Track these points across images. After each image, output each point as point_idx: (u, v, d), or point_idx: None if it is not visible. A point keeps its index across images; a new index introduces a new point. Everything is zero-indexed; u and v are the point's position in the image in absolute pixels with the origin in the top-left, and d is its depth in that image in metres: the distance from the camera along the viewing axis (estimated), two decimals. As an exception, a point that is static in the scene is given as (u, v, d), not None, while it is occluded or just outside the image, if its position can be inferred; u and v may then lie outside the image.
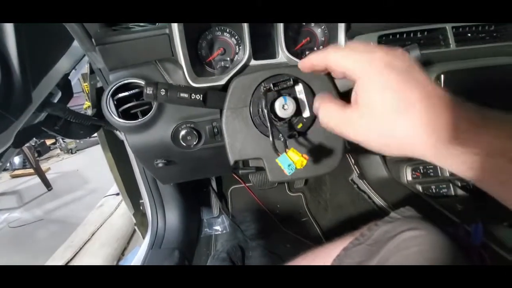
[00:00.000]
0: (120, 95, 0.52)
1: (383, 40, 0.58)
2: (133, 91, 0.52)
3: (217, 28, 0.57)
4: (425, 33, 0.60)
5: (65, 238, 1.83)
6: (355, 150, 0.94)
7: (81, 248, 1.69)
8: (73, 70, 0.74)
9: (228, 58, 0.59)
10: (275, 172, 0.48)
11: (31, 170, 3.14)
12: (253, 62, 0.54)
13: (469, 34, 0.62)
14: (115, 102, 0.52)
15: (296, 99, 0.44)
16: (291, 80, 0.44)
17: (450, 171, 0.27)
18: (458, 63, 0.59)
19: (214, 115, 0.55)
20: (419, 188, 0.85)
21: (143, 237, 1.17)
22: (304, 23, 0.60)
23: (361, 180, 1.08)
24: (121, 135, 0.95)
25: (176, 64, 0.53)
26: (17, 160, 3.73)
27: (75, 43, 0.61)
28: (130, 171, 0.99)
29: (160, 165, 0.59)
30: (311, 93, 0.47)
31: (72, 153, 4.40)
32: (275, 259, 1.12)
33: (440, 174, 0.88)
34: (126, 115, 0.53)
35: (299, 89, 0.45)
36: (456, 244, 0.43)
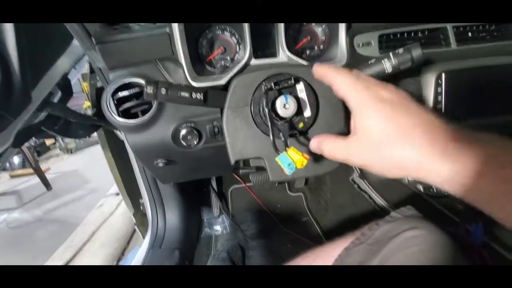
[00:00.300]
0: (120, 94, 0.51)
1: (383, 39, 0.58)
2: (133, 90, 0.52)
3: (217, 27, 0.57)
4: (426, 32, 0.60)
5: (65, 238, 1.83)
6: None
7: (81, 248, 1.69)
8: (73, 70, 0.73)
9: (229, 57, 0.58)
10: (276, 171, 0.48)
11: (31, 170, 3.13)
12: (253, 61, 0.54)
13: (470, 34, 0.62)
14: (115, 102, 0.52)
15: (297, 98, 0.44)
16: (292, 79, 0.44)
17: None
18: (459, 62, 0.59)
19: (215, 115, 0.54)
20: (420, 187, 0.84)
21: (143, 237, 1.17)
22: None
23: (362, 179, 1.08)
24: (121, 135, 0.95)
25: (177, 63, 0.53)
26: (16, 160, 3.72)
27: (75, 42, 0.61)
28: (130, 171, 0.99)
29: (161, 164, 0.59)
30: (312, 92, 0.47)
31: (71, 153, 4.39)
32: (276, 259, 1.11)
33: (440, 174, 0.88)
34: (126, 114, 0.53)
35: (300, 88, 0.45)
36: (456, 244, 0.43)
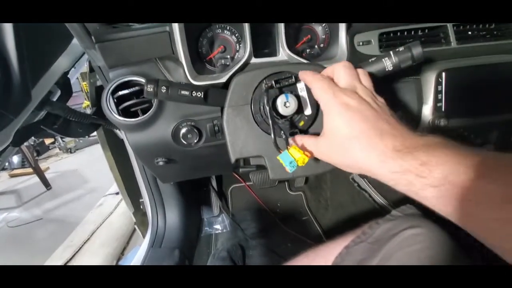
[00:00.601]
0: (120, 93, 0.51)
1: (384, 38, 0.58)
2: (134, 89, 0.52)
3: (217, 26, 0.57)
4: (426, 31, 0.60)
5: (65, 237, 1.83)
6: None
7: (80, 248, 1.69)
8: (73, 68, 0.73)
9: (229, 56, 0.58)
10: (276, 170, 0.47)
11: (30, 170, 3.13)
12: (253, 60, 0.54)
13: (470, 32, 0.62)
14: (115, 100, 0.52)
15: (298, 97, 0.44)
16: (293, 77, 0.44)
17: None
18: (459, 61, 0.59)
19: (215, 113, 0.54)
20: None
21: (143, 236, 1.17)
22: (305, 21, 0.60)
23: (362, 178, 1.08)
24: (121, 134, 0.95)
25: (177, 62, 0.53)
26: (15, 159, 3.72)
27: (75, 40, 0.61)
28: (130, 170, 0.99)
29: (161, 163, 0.59)
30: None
31: (71, 152, 4.38)
32: (276, 258, 1.12)
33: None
34: (126, 113, 0.53)
35: (301, 86, 0.45)
36: (457, 242, 0.44)
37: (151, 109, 0.52)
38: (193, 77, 0.52)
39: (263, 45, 0.56)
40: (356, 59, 0.54)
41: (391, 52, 0.45)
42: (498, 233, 0.26)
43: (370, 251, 0.50)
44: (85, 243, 1.73)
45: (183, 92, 0.43)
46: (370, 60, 0.47)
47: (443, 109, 0.59)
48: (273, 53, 0.56)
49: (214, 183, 1.36)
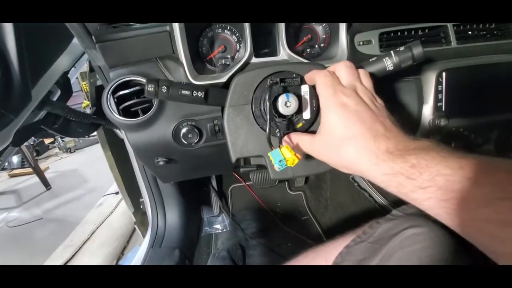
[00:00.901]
0: (121, 92, 0.51)
1: (384, 38, 0.58)
2: (134, 88, 0.52)
3: (218, 26, 0.57)
4: (426, 30, 0.60)
5: (64, 237, 1.83)
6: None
7: (80, 248, 1.68)
8: (73, 68, 0.73)
9: (229, 56, 0.58)
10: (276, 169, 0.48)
11: (30, 169, 3.13)
12: (254, 60, 0.54)
13: (470, 32, 0.62)
14: (116, 100, 0.52)
15: (299, 97, 0.44)
16: (299, 78, 0.44)
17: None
18: (459, 60, 0.59)
19: (215, 113, 0.54)
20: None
21: (143, 236, 1.17)
22: (305, 21, 0.60)
23: (362, 178, 1.08)
24: (121, 134, 0.95)
25: (177, 61, 0.53)
26: (15, 159, 3.71)
27: (75, 40, 0.61)
28: (130, 170, 0.99)
29: (161, 163, 0.59)
30: (315, 95, 0.47)
31: (71, 152, 4.38)
32: (276, 258, 1.12)
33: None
34: (126, 113, 0.53)
35: (305, 89, 0.45)
36: (458, 241, 0.43)
37: (152, 109, 0.52)
38: (194, 76, 0.52)
39: (263, 44, 0.56)
40: (357, 59, 0.54)
41: (391, 52, 0.45)
42: (481, 233, 0.28)
43: (370, 251, 0.50)
44: (85, 243, 1.72)
45: (183, 91, 0.43)
46: (370, 60, 0.47)
47: (443, 109, 0.59)
48: (274, 52, 0.56)
49: (214, 182, 1.36)
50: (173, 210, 1.03)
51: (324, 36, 0.60)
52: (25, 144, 2.72)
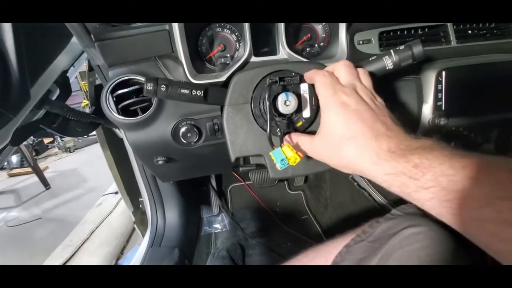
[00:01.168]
0: (120, 91, 0.51)
1: (384, 37, 0.58)
2: (133, 87, 0.51)
3: (217, 25, 0.57)
4: (426, 29, 0.60)
5: (64, 237, 1.83)
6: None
7: (80, 247, 1.68)
8: (72, 67, 0.73)
9: (229, 55, 0.58)
10: (276, 169, 0.47)
11: (29, 169, 3.12)
12: (253, 59, 0.54)
13: (470, 31, 0.62)
14: (115, 99, 0.51)
15: (298, 96, 0.44)
16: (299, 77, 0.44)
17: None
18: (459, 59, 0.59)
19: (215, 112, 0.54)
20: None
21: (143, 236, 1.17)
22: (305, 20, 0.59)
23: (362, 177, 1.08)
24: (120, 133, 0.94)
25: (176, 60, 0.53)
26: (14, 159, 3.70)
27: (74, 39, 0.61)
28: (129, 169, 0.99)
29: (160, 162, 0.58)
30: (314, 93, 0.47)
31: (70, 151, 4.37)
32: (275, 257, 1.11)
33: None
34: (125, 112, 0.52)
35: (304, 88, 0.45)
36: (457, 240, 0.43)
37: (151, 108, 0.52)
38: (193, 75, 0.52)
39: (263, 43, 0.56)
40: (356, 58, 0.54)
41: (391, 51, 0.45)
42: (481, 232, 0.28)
43: (370, 250, 0.50)
44: (84, 242, 1.72)
45: (183, 90, 0.43)
46: (370, 59, 0.47)
47: (443, 108, 0.59)
48: (273, 51, 0.56)
49: (213, 182, 1.36)
50: (172, 210, 1.03)
51: (324, 35, 0.60)
52: (24, 143, 2.72)
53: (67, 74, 0.73)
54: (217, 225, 1.29)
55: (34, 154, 3.76)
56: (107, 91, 0.51)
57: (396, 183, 0.32)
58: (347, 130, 0.36)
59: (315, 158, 0.42)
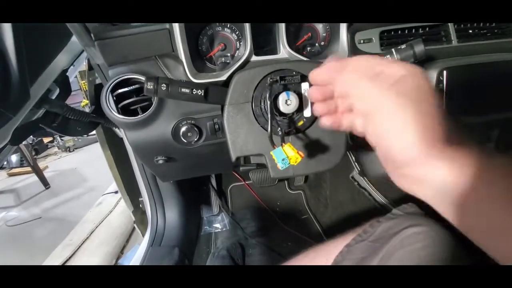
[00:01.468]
0: (120, 90, 0.51)
1: (385, 36, 0.58)
2: (133, 86, 0.51)
3: (217, 24, 0.57)
4: (427, 29, 0.60)
5: (64, 236, 1.82)
6: (356, 147, 0.94)
7: (79, 247, 1.68)
8: (71, 66, 0.73)
9: (229, 54, 0.58)
10: (277, 168, 0.47)
11: (29, 169, 3.12)
12: (254, 58, 0.54)
13: (471, 31, 0.61)
14: (115, 98, 0.51)
15: (299, 95, 0.44)
16: (299, 76, 0.44)
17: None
18: (460, 59, 0.59)
19: (215, 112, 0.54)
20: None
21: (143, 235, 1.17)
22: (305, 19, 0.59)
23: (362, 177, 1.08)
24: (120, 133, 0.94)
25: (177, 59, 0.53)
26: (14, 158, 3.70)
27: (74, 38, 0.61)
28: (129, 168, 0.99)
29: (160, 162, 0.58)
30: None
31: (70, 151, 4.37)
32: (276, 257, 1.11)
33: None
34: (125, 111, 0.52)
35: (305, 87, 0.45)
36: (458, 240, 0.43)
37: (151, 107, 0.52)
38: (193, 75, 0.52)
39: (263, 43, 0.56)
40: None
41: (393, 50, 0.45)
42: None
43: (371, 250, 0.50)
44: (84, 242, 1.72)
45: (183, 89, 0.43)
46: (371, 58, 0.46)
47: (443, 108, 0.58)
48: (274, 51, 0.56)
49: (213, 181, 1.36)
50: (172, 209, 1.03)
51: (325, 35, 0.60)
52: (24, 143, 2.72)
53: (67, 73, 0.73)
54: (217, 225, 1.29)
55: (33, 153, 3.76)
56: (107, 90, 0.50)
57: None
58: (400, 120, 0.28)
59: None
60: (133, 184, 1.05)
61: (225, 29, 0.57)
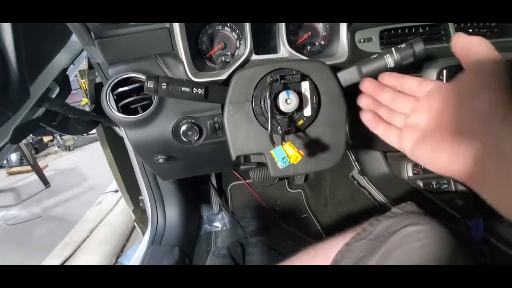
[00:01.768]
0: (120, 89, 0.51)
1: (385, 35, 0.58)
2: (133, 85, 0.51)
3: (217, 23, 0.57)
4: (427, 28, 0.60)
5: (64, 235, 1.83)
6: (356, 146, 0.94)
7: (79, 246, 1.68)
8: (71, 65, 0.73)
9: (229, 53, 0.58)
10: (277, 167, 0.47)
11: (29, 167, 3.11)
12: (254, 57, 0.54)
13: (471, 30, 0.61)
14: (115, 97, 0.51)
15: (299, 94, 0.44)
16: (300, 76, 0.44)
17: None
18: (460, 58, 0.59)
19: (215, 110, 0.54)
20: (420, 184, 0.85)
21: (143, 234, 1.17)
22: (305, 18, 0.59)
23: (362, 176, 1.08)
24: (120, 131, 0.94)
25: (177, 58, 0.53)
26: (14, 157, 3.70)
27: (74, 37, 0.61)
28: (130, 167, 0.99)
29: (161, 160, 0.58)
30: (316, 92, 0.46)
31: (70, 150, 4.37)
32: (276, 256, 1.12)
33: (440, 170, 0.88)
34: (126, 110, 0.52)
35: (305, 86, 0.45)
36: (457, 239, 0.44)
37: (152, 106, 0.52)
38: (193, 73, 0.52)
39: (263, 41, 0.56)
40: (357, 57, 0.54)
41: (392, 49, 0.45)
42: None
43: (370, 248, 0.50)
44: (84, 241, 1.72)
45: (183, 88, 0.43)
46: (371, 57, 0.46)
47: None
48: (274, 49, 0.56)
49: (213, 180, 1.36)
50: (172, 208, 1.03)
51: (325, 34, 0.60)
52: (23, 142, 2.72)
53: (67, 72, 0.73)
54: (217, 224, 1.29)
55: (33, 152, 3.75)
56: (107, 89, 0.50)
57: None
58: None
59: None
60: (133, 183, 1.05)
61: (225, 28, 0.57)
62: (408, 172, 0.89)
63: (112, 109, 0.51)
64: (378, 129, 0.41)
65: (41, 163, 3.49)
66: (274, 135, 0.42)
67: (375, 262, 0.47)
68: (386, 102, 0.42)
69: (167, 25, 0.51)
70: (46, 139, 4.52)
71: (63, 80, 0.70)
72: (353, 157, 1.11)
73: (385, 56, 0.45)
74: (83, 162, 3.62)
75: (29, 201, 2.75)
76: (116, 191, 2.15)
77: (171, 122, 0.54)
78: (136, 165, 0.94)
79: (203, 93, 0.44)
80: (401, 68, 0.46)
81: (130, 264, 1.00)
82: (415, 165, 0.89)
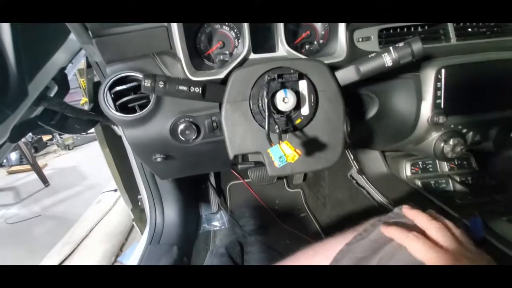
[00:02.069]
0: (118, 88, 0.51)
1: (383, 34, 0.57)
2: (131, 84, 0.51)
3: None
4: (426, 27, 0.60)
5: (63, 234, 1.83)
6: (354, 145, 0.94)
7: (79, 244, 1.69)
8: (70, 64, 0.72)
9: (227, 52, 0.58)
10: (274, 166, 0.47)
11: (28, 166, 3.12)
12: (252, 56, 0.54)
13: (470, 29, 0.61)
14: (113, 96, 0.51)
15: (297, 93, 0.44)
16: (297, 74, 0.44)
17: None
18: (459, 57, 0.59)
19: (213, 110, 0.54)
20: (418, 183, 0.85)
21: (142, 233, 1.17)
22: (304, 17, 0.59)
23: (360, 175, 1.08)
24: (118, 130, 0.94)
25: (175, 57, 0.53)
26: (13, 156, 3.70)
27: (72, 36, 0.60)
28: (128, 166, 0.99)
29: (159, 160, 0.58)
30: (314, 91, 0.46)
31: (69, 149, 4.37)
32: (274, 255, 1.12)
33: (439, 170, 0.88)
34: (123, 109, 0.52)
35: (303, 85, 0.45)
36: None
37: (149, 105, 0.51)
38: (191, 72, 0.52)
39: (262, 40, 0.56)
40: (356, 55, 0.54)
41: (390, 48, 0.45)
42: None
43: (371, 249, 0.50)
44: (83, 239, 1.73)
45: (181, 87, 0.43)
46: (369, 56, 0.46)
47: (442, 106, 0.59)
48: (272, 48, 0.56)
49: (212, 180, 1.36)
50: (171, 207, 1.03)
51: (323, 33, 0.60)
52: (23, 141, 2.72)
53: (65, 71, 0.72)
54: (216, 223, 1.29)
55: (33, 151, 3.75)
56: (105, 88, 0.50)
57: None
58: None
59: None
60: (132, 182, 1.05)
61: (224, 27, 0.57)
62: (407, 171, 0.89)
63: (110, 108, 0.51)
64: None
65: (40, 162, 3.49)
66: (271, 134, 0.42)
67: (375, 263, 0.47)
68: None
69: (165, 23, 0.51)
70: (45, 138, 4.53)
71: (61, 79, 0.70)
72: (352, 156, 1.11)
73: (383, 55, 0.45)
74: (82, 161, 3.62)
75: (28, 200, 2.75)
76: (115, 190, 2.15)
77: (169, 121, 0.54)
78: (135, 164, 0.94)
79: (200, 92, 0.44)
80: (399, 67, 0.46)
81: (129, 263, 1.00)
82: (413, 165, 0.89)
